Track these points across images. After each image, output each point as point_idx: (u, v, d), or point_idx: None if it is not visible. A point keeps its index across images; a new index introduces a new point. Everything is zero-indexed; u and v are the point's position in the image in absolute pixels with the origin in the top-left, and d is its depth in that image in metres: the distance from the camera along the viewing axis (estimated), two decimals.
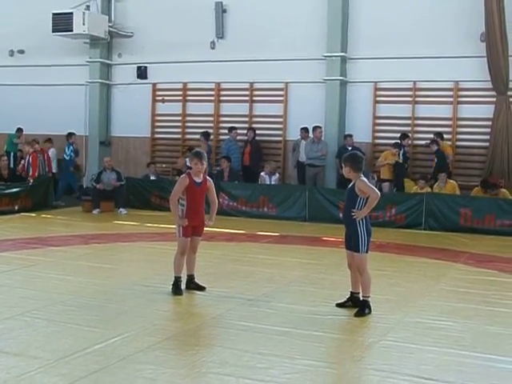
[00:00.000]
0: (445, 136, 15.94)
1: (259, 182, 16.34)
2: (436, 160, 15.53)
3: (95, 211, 15.59)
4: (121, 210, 15.66)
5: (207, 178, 8.01)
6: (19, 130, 19.11)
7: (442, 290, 8.52)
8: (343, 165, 7.23)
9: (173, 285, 7.84)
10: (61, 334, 6.16)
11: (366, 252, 7.13)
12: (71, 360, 5.40)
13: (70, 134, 18.08)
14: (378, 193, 7.13)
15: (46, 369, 5.20)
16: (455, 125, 16.36)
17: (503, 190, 14.49)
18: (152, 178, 17.20)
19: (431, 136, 15.90)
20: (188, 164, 16.69)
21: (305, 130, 16.81)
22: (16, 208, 15.23)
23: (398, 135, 16.20)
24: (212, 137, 18.42)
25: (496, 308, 7.57)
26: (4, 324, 6.39)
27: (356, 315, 7.02)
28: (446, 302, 7.83)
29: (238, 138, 17.51)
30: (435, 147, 15.53)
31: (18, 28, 19.87)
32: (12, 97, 20.26)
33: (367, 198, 7.05)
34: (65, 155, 17.92)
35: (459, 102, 16.31)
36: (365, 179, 7.18)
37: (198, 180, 7.85)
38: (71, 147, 17.89)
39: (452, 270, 9.84)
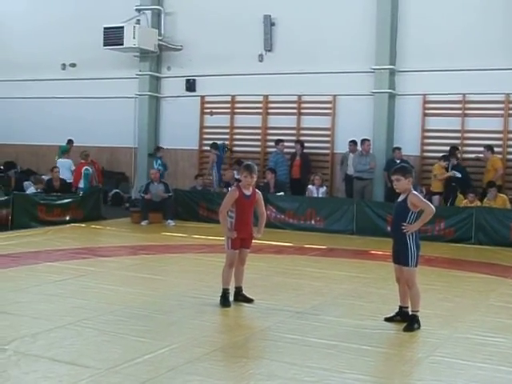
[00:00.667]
0: (495, 149, 15.73)
1: (307, 194, 16.33)
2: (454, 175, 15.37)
3: (143, 222, 15.74)
4: (169, 221, 15.78)
5: (256, 190, 8.04)
6: (70, 142, 19.43)
7: (492, 305, 8.40)
8: (393, 177, 7.14)
9: (221, 297, 7.87)
10: (111, 343, 6.24)
11: (416, 266, 7.06)
12: (121, 370, 5.47)
13: (159, 148, 18.10)
14: (433, 208, 7.06)
15: (96, 378, 5.28)
16: (506, 138, 16.12)
17: None
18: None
19: (481, 149, 15.71)
20: (236, 176, 16.84)
21: (353, 142, 16.77)
22: (67, 218, 15.48)
23: (447, 148, 16.04)
24: (260, 149, 18.51)
25: None
26: (56, 333, 6.50)
27: (405, 330, 6.96)
28: (495, 317, 7.72)
29: (285, 150, 17.54)
30: (489, 154, 15.34)
31: (70, 42, 20.26)
32: (63, 109, 20.65)
33: (418, 213, 6.99)
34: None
35: (510, 115, 16.09)
36: (417, 193, 7.14)
37: (248, 193, 7.88)
38: (159, 161, 17.89)
39: (502, 286, 9.69)
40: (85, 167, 17.21)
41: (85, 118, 20.24)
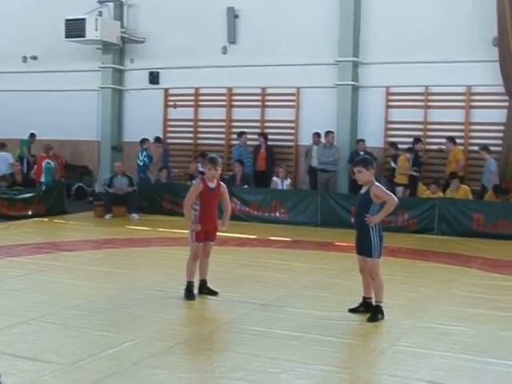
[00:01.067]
0: (457, 140, 15.89)
1: (271, 186, 16.34)
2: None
3: (107, 216, 15.62)
4: (133, 215, 15.68)
5: (221, 183, 8.02)
6: (32, 136, 19.20)
7: (455, 295, 8.49)
8: (355, 169, 7.16)
9: (185, 290, 7.85)
10: (74, 338, 6.18)
11: (379, 257, 7.11)
12: (84, 364, 5.42)
13: (144, 140, 17.83)
14: (396, 199, 7.11)
15: (59, 373, 5.23)
16: (468, 129, 16.31)
17: None
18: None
19: (443, 141, 15.87)
20: (200, 169, 16.76)
21: (317, 135, 16.82)
22: (29, 213, 15.30)
23: (410, 140, 16.17)
24: (224, 142, 18.48)
25: (510, 313, 7.53)
26: (18, 328, 6.42)
27: (369, 320, 7.00)
28: (459, 307, 7.80)
29: (249, 143, 17.52)
30: (451, 146, 15.52)
31: (30, 34, 19.98)
32: (25, 102, 20.36)
33: (381, 204, 7.03)
34: (138, 161, 17.60)
35: (471, 107, 16.26)
36: (379, 184, 7.18)
37: (212, 185, 7.86)
38: (145, 153, 17.67)
39: (465, 275, 9.80)
40: (46, 161, 16.99)
41: (47, 111, 19.99)
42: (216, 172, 7.83)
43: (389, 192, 7.26)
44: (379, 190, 7.06)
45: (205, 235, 7.87)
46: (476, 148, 16.21)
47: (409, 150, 15.70)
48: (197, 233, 7.79)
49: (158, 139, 18.16)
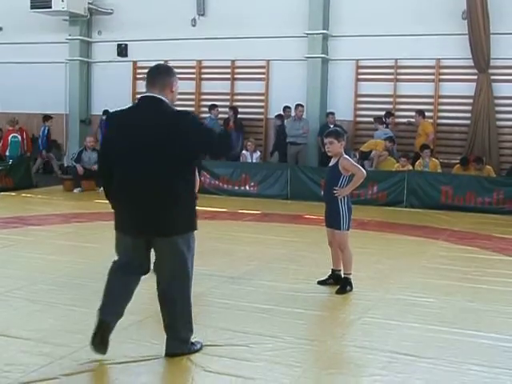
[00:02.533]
0: (426, 114, 15.96)
1: (241, 160, 16.30)
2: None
3: (76, 190, 15.50)
4: (101, 189, 15.54)
5: None
6: None
7: (424, 267, 8.56)
8: (327, 140, 7.15)
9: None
10: (42, 313, 6.13)
11: (347, 229, 7.14)
12: (52, 339, 5.39)
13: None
14: (364, 172, 7.12)
15: (26, 348, 5.18)
16: (437, 102, 16.38)
17: (488, 167, 14.55)
18: None
19: (413, 114, 15.93)
20: None
21: (288, 108, 16.79)
22: None
23: (381, 113, 16.21)
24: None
25: (477, 285, 7.62)
26: None
27: (337, 292, 7.04)
28: (427, 278, 7.88)
29: (219, 116, 17.43)
30: (420, 119, 15.59)
31: None
32: None
33: (350, 176, 7.04)
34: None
35: (441, 80, 16.33)
36: (348, 157, 7.19)
37: None
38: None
39: (433, 247, 9.89)
40: (12, 135, 16.77)
41: (13, 84, 19.67)
42: None
43: (357, 164, 7.29)
44: (348, 162, 7.07)
45: None
46: (445, 121, 16.34)
47: (389, 138, 15.62)
48: None
49: (105, 112, 17.89)
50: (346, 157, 7.14)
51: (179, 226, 4.93)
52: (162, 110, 5.01)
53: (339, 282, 7.21)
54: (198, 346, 5.22)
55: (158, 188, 4.79)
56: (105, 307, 5.06)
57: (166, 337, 5.09)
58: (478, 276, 8.04)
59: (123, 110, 5.22)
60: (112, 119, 5.51)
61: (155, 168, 4.79)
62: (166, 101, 5.10)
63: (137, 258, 5.10)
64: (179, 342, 5.08)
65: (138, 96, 5.52)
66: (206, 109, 17.84)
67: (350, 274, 7.17)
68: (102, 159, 5.30)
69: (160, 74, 5.29)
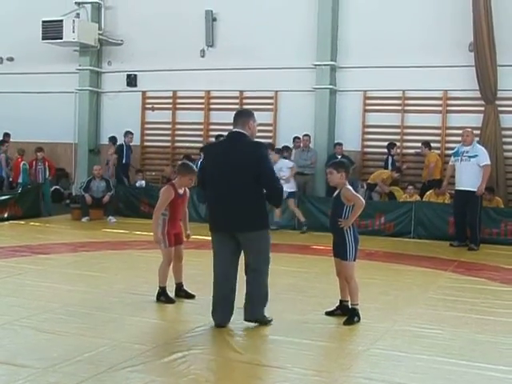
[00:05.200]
0: (434, 145, 16.01)
1: None
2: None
3: (84, 219, 15.55)
4: (110, 218, 15.62)
5: (185, 188, 8.10)
6: (6, 135, 18.87)
7: (431, 298, 8.54)
8: (327, 171, 7.29)
9: (159, 294, 7.84)
10: (49, 342, 6.14)
11: (354, 260, 7.15)
12: (60, 368, 5.39)
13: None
14: (363, 201, 7.18)
15: (34, 377, 5.19)
16: (444, 134, 16.42)
17: (497, 199, 14.53)
18: (138, 185, 17.26)
19: (419, 145, 15.97)
20: None
21: (298, 139, 16.87)
22: (5, 216, 15.16)
23: (386, 143, 16.28)
24: (202, 145, 18.51)
25: (484, 316, 7.59)
26: None
27: (345, 323, 7.03)
28: (434, 310, 7.86)
29: None
30: (426, 150, 15.63)
31: (7, 35, 19.82)
32: (1, 104, 20.18)
33: (353, 206, 7.07)
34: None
35: (448, 111, 16.39)
36: (350, 187, 7.20)
37: (181, 191, 7.96)
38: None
39: (441, 279, 9.86)
40: (23, 162, 16.91)
41: (23, 113, 19.80)
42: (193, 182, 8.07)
43: (357, 194, 7.30)
44: (348, 192, 7.11)
45: (175, 238, 7.91)
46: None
47: (397, 169, 15.69)
48: (168, 237, 7.83)
49: (111, 139, 18.12)
50: (348, 187, 7.15)
51: (255, 224, 6.72)
52: (243, 141, 6.73)
53: (347, 313, 7.19)
54: (270, 319, 6.94)
55: (242, 198, 6.58)
56: None
57: (247, 307, 6.84)
58: (486, 307, 8.01)
59: (216, 142, 7.53)
60: (208, 149, 7.75)
61: (240, 184, 6.57)
62: (247, 134, 6.74)
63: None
64: (260, 308, 6.88)
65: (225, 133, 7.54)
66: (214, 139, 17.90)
67: (357, 304, 7.16)
68: (203, 179, 7.03)
69: (241, 115, 6.93)
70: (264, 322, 6.88)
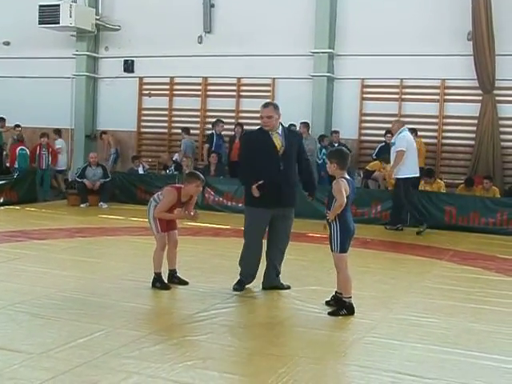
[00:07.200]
0: (430, 134, 16.03)
1: None
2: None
3: (83, 205, 15.54)
4: (101, 203, 15.59)
5: (194, 196, 8.05)
6: (1, 120, 18.80)
7: (426, 287, 8.55)
8: (328, 161, 7.10)
9: (155, 280, 7.82)
10: (44, 327, 6.13)
11: (341, 252, 6.94)
12: (54, 354, 5.38)
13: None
14: (344, 200, 6.83)
15: (29, 362, 5.18)
16: (441, 123, 16.42)
17: (495, 188, 14.53)
18: (140, 171, 17.23)
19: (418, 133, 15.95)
20: (174, 158, 16.73)
21: (293, 126, 16.79)
22: (1, 201, 15.13)
23: (383, 132, 16.26)
24: (199, 131, 18.48)
25: (480, 305, 7.61)
26: None
27: (329, 314, 6.92)
28: (429, 299, 7.87)
29: (223, 133, 17.44)
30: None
31: (3, 20, 19.73)
32: None
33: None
34: None
35: (445, 100, 16.38)
36: (342, 182, 6.91)
37: (184, 199, 7.88)
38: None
39: (436, 268, 9.87)
40: (20, 147, 16.85)
41: (19, 98, 19.72)
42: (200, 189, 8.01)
43: (342, 191, 6.88)
44: (335, 185, 6.92)
45: (167, 225, 7.86)
46: (449, 141, 16.39)
47: (384, 159, 15.59)
48: (160, 223, 7.78)
49: (184, 130, 17.90)
50: (339, 180, 6.92)
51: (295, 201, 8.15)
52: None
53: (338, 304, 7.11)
54: (285, 284, 7.94)
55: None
56: None
57: (267, 275, 7.85)
58: (481, 297, 8.02)
59: (254, 130, 8.19)
60: (249, 135, 8.54)
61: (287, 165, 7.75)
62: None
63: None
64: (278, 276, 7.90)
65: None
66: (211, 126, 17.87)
67: (349, 297, 6.98)
68: (246, 159, 7.87)
69: (270, 107, 7.70)
70: (284, 287, 7.87)
